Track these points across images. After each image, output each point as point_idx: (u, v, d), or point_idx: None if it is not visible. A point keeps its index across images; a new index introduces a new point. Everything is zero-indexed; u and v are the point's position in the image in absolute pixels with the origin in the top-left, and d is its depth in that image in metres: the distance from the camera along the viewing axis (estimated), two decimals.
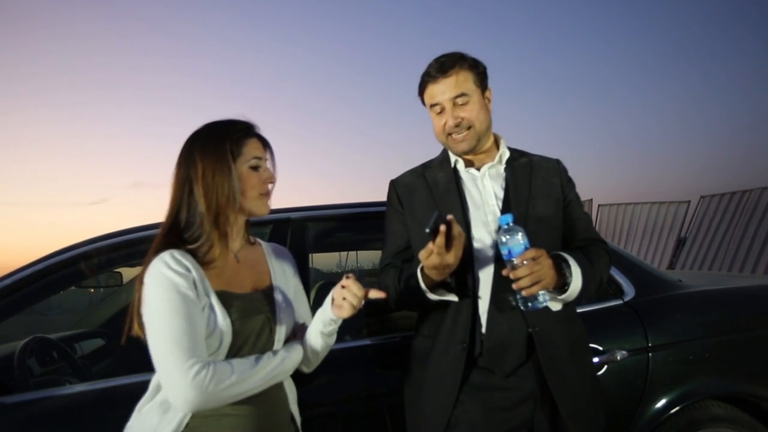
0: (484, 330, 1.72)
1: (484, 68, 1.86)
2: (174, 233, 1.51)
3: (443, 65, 1.79)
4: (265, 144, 1.63)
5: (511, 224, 1.58)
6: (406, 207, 1.92)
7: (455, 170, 1.89)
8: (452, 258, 1.52)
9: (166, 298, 1.38)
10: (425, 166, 1.99)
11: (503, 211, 1.77)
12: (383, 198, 2.04)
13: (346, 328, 2.72)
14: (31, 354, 2.50)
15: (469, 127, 1.80)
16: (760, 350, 2.38)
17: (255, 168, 1.57)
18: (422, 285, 1.65)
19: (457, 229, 1.51)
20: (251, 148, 1.57)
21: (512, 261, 1.56)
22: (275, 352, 1.53)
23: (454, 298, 1.70)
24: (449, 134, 1.83)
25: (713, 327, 2.40)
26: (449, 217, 1.50)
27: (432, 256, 1.51)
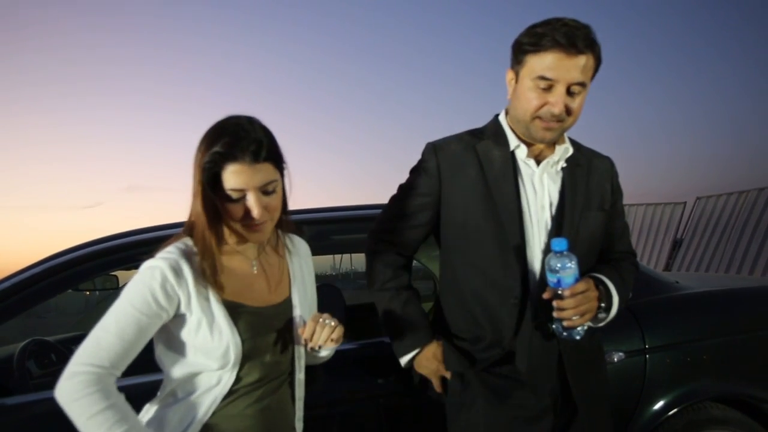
0: (516, 337, 1.64)
1: (601, 58, 1.57)
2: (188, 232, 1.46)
3: (576, 38, 1.46)
4: (260, 162, 1.35)
5: (565, 252, 1.47)
6: (448, 181, 1.69)
7: (513, 155, 1.67)
8: None
9: (135, 295, 1.34)
10: (475, 136, 1.73)
11: (555, 220, 1.64)
12: (376, 201, 1.97)
13: (348, 330, 2.73)
14: (30, 356, 2.51)
15: (562, 121, 1.55)
16: (759, 352, 2.39)
17: (234, 200, 1.35)
18: (406, 359, 1.76)
19: None
20: (227, 177, 1.33)
21: (558, 290, 1.48)
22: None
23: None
24: (539, 117, 1.55)
25: (711, 329, 2.40)
26: None
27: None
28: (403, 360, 1.75)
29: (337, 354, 1.70)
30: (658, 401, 2.24)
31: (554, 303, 1.48)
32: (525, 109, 1.56)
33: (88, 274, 2.33)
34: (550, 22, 1.49)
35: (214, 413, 1.41)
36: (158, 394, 1.49)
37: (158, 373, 1.51)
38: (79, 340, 3.34)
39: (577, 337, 1.54)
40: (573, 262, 1.46)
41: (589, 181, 1.70)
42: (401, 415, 1.90)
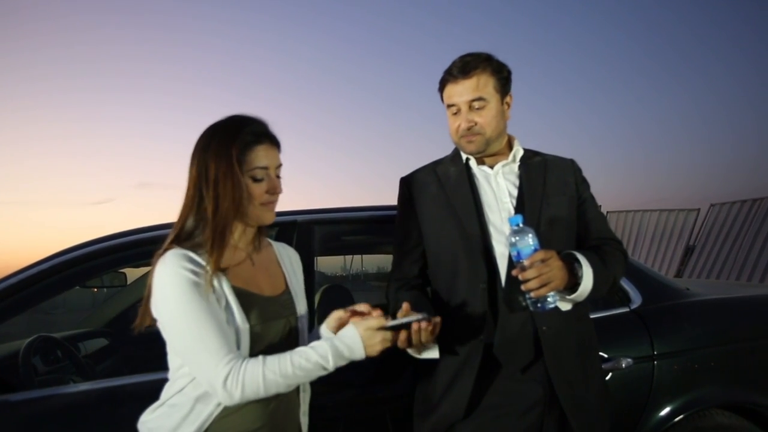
0: (496, 325, 1.72)
1: (509, 73, 1.83)
2: (184, 236, 1.47)
3: (466, 66, 1.76)
4: (277, 147, 1.56)
5: (521, 225, 1.56)
6: (418, 202, 1.90)
7: (467, 166, 1.88)
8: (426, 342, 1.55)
9: (187, 298, 1.35)
10: (436, 162, 1.97)
11: (517, 210, 1.77)
12: (389, 202, 2.03)
13: None
14: (36, 352, 2.51)
15: (479, 132, 1.78)
16: (766, 360, 2.37)
17: (258, 179, 1.50)
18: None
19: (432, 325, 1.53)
20: (256, 156, 1.49)
21: (521, 262, 1.54)
22: (310, 354, 1.42)
23: (434, 355, 1.66)
24: (461, 136, 1.80)
25: (720, 336, 2.39)
26: (436, 319, 1.54)
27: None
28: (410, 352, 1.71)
29: None
30: (665, 407, 2.23)
31: (519, 276, 1.55)
32: (451, 133, 1.86)
33: (96, 270, 2.34)
34: (453, 62, 1.81)
35: (222, 407, 1.42)
36: (165, 391, 1.50)
37: (160, 372, 1.51)
38: (86, 337, 3.37)
39: (548, 308, 1.58)
40: (530, 235, 1.55)
41: (547, 174, 1.86)
42: (410, 418, 1.89)
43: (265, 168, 1.51)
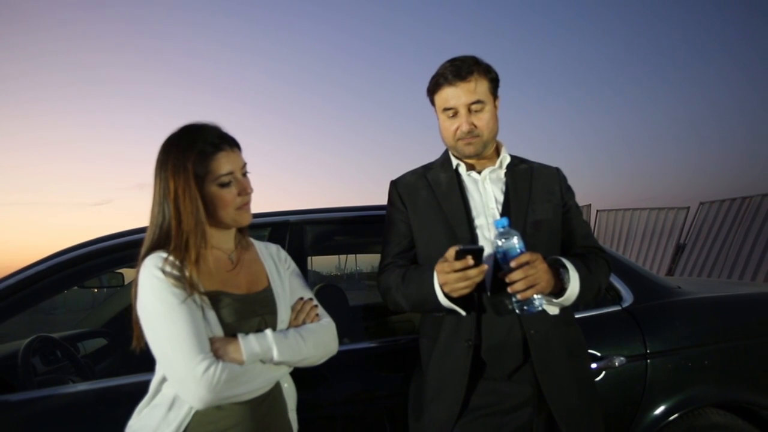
0: (483, 330, 1.73)
1: (497, 75, 1.85)
2: (157, 246, 1.50)
3: (460, 69, 1.77)
4: (237, 148, 1.57)
5: (506, 227, 1.58)
6: (410, 207, 1.92)
7: (456, 172, 1.90)
8: (470, 284, 1.56)
9: (162, 300, 1.39)
10: (426, 168, 1.99)
11: (503, 215, 1.79)
12: (380, 202, 2.04)
13: (345, 331, 2.74)
14: (35, 352, 2.51)
15: (478, 135, 1.81)
16: (760, 358, 2.38)
17: (226, 184, 1.52)
18: (438, 290, 1.63)
19: (483, 267, 1.54)
20: (219, 164, 1.50)
21: (507, 264, 1.56)
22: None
23: (462, 311, 1.69)
24: (459, 139, 1.82)
25: (712, 334, 2.39)
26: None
27: (452, 274, 1.55)
28: (440, 296, 1.66)
29: (341, 355, 1.71)
30: (659, 406, 2.24)
31: (506, 278, 1.56)
32: (447, 137, 1.87)
33: (94, 271, 2.35)
34: (441, 65, 1.83)
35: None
36: (148, 393, 1.53)
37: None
38: (84, 337, 3.36)
39: (535, 310, 1.58)
40: (515, 237, 1.57)
41: (533, 181, 1.89)
42: (404, 416, 1.90)
43: (231, 173, 1.52)
